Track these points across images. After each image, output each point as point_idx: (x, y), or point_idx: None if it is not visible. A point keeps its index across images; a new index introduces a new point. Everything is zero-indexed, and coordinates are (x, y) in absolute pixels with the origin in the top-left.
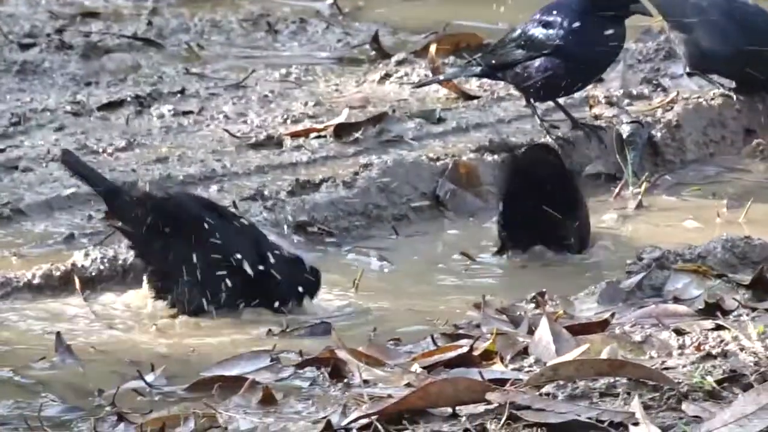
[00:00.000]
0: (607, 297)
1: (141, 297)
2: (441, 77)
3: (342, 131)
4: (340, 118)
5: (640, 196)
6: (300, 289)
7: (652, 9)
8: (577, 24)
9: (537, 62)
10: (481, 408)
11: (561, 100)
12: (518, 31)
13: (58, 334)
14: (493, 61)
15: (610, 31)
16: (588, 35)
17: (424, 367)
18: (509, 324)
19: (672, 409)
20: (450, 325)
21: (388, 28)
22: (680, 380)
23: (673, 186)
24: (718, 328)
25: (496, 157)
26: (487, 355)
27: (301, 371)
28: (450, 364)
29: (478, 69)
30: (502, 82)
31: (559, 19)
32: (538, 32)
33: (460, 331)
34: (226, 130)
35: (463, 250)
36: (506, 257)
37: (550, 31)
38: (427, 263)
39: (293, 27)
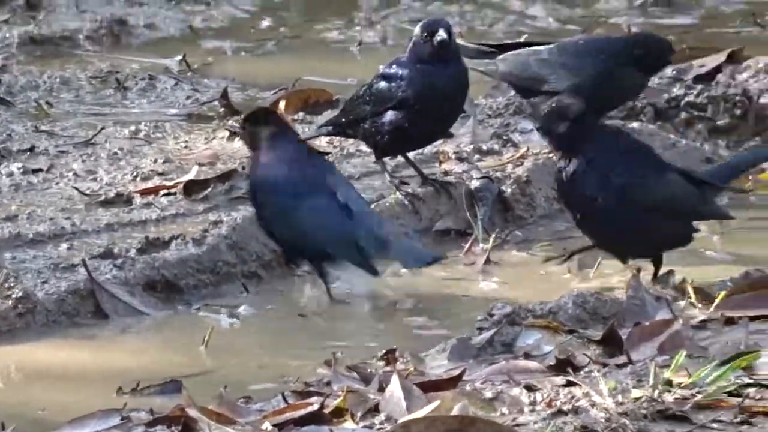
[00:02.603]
0: (457, 353)
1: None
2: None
3: (191, 188)
4: (190, 176)
5: (488, 252)
6: None
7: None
8: (413, 74)
9: (384, 117)
10: None
11: (411, 156)
12: (364, 88)
13: None
14: (343, 119)
15: (443, 76)
16: (424, 83)
17: (275, 425)
18: (360, 381)
19: None
20: (301, 382)
21: (237, 84)
22: None
23: (524, 242)
24: (570, 384)
25: None
26: (338, 413)
27: (151, 430)
28: (301, 421)
29: (330, 128)
30: (352, 139)
31: (398, 72)
32: (382, 86)
33: (311, 389)
34: (76, 188)
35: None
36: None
37: (392, 84)
38: (276, 320)
39: (142, 84)
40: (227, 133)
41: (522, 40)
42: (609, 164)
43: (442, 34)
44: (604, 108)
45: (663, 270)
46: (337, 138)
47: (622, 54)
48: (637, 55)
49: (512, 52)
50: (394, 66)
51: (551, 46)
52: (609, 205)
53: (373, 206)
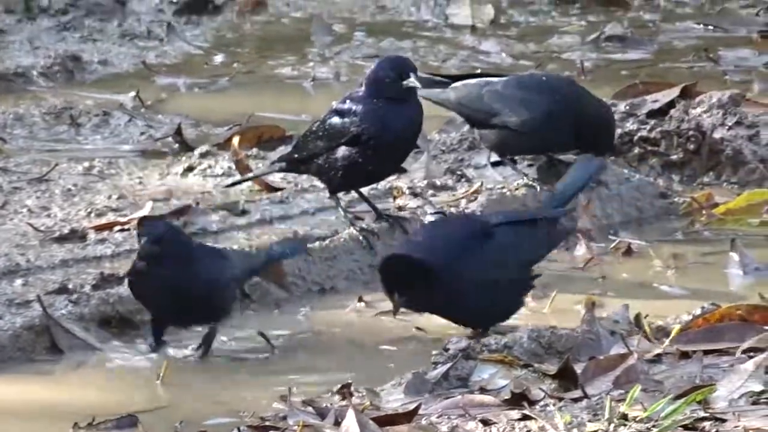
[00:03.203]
0: (413, 388)
1: None
2: (250, 175)
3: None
4: (144, 211)
5: None
6: None
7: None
8: (368, 110)
9: (337, 152)
10: None
11: (365, 191)
12: (317, 123)
13: None
14: (296, 156)
15: (400, 115)
16: (380, 120)
17: None
18: (316, 416)
19: None
20: (257, 417)
21: (191, 121)
22: None
23: None
24: (525, 418)
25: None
26: None
27: None
28: None
29: (284, 164)
30: (306, 175)
31: (353, 107)
32: (335, 122)
33: (267, 423)
34: (30, 224)
35: (260, 332)
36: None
37: (346, 120)
38: (232, 354)
39: (96, 120)
40: (181, 169)
41: (477, 72)
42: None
43: (413, 81)
44: (548, 148)
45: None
46: (291, 174)
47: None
48: (582, 134)
49: (464, 82)
50: (347, 101)
51: (506, 78)
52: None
53: (327, 242)
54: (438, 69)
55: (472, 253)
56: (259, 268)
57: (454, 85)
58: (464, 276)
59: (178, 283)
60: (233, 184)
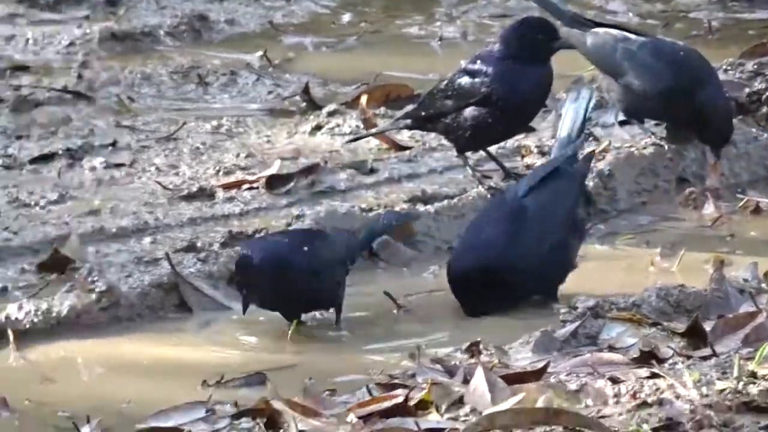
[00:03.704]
0: (542, 346)
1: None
2: (374, 131)
3: (274, 183)
4: (272, 170)
5: None
6: None
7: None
8: (501, 71)
9: (465, 112)
10: None
11: (493, 150)
12: (446, 82)
13: None
14: (423, 113)
15: (535, 76)
16: (513, 81)
17: (359, 417)
18: (444, 374)
19: None
20: (385, 374)
21: (319, 80)
22: (616, 428)
23: (606, 235)
24: (654, 376)
25: (428, 207)
26: (423, 405)
27: (236, 422)
28: (386, 414)
29: (409, 121)
30: (433, 133)
31: (483, 68)
32: (465, 82)
33: (396, 381)
34: (158, 182)
35: (386, 291)
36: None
37: (476, 80)
38: (361, 313)
39: (224, 79)
40: (309, 128)
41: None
42: None
43: (564, 41)
44: (666, 120)
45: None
46: (419, 132)
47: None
48: (697, 120)
49: (605, 30)
50: (478, 62)
51: (645, 40)
52: None
53: (456, 200)
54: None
55: (524, 237)
56: (362, 247)
57: (593, 30)
58: (525, 263)
59: (283, 293)
60: (356, 139)
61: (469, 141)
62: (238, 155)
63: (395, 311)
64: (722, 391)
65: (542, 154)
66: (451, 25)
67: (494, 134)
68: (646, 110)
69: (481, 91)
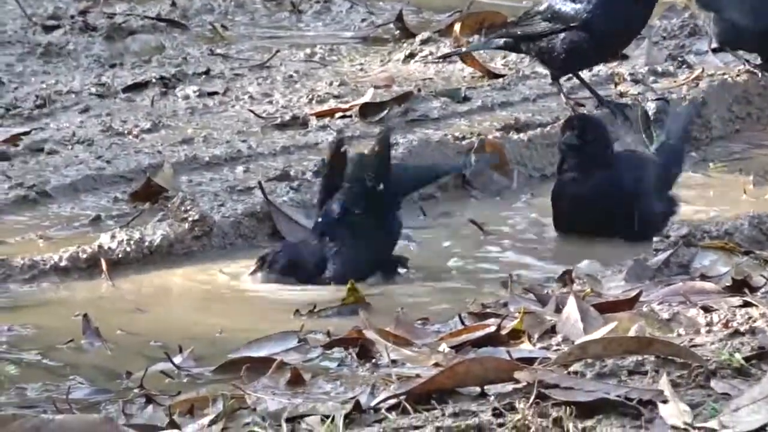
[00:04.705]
0: (634, 275)
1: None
2: (463, 49)
3: (367, 111)
4: (366, 98)
5: None
6: None
7: None
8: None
9: (562, 35)
10: (509, 387)
11: (586, 77)
12: (545, 5)
13: (86, 316)
14: (518, 32)
15: (638, 9)
16: (616, 12)
17: (452, 347)
18: (536, 303)
19: (700, 387)
20: (477, 304)
21: (412, 7)
22: (708, 357)
23: (699, 163)
24: (746, 305)
25: (521, 135)
26: (515, 334)
27: (329, 352)
28: (478, 343)
29: (501, 41)
30: (527, 59)
31: None
32: (566, 6)
33: (488, 311)
34: (252, 111)
35: (472, 219)
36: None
37: (578, 6)
38: (453, 242)
39: (317, 7)
40: (402, 56)
41: None
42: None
43: None
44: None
45: None
46: (512, 59)
47: None
48: None
49: None
50: None
51: None
52: None
53: (548, 128)
54: None
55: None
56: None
57: None
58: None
59: None
60: (446, 56)
61: (562, 64)
62: (331, 83)
63: (481, 237)
64: None
65: (635, 81)
66: None
67: (588, 59)
68: (743, 44)
69: (582, 16)
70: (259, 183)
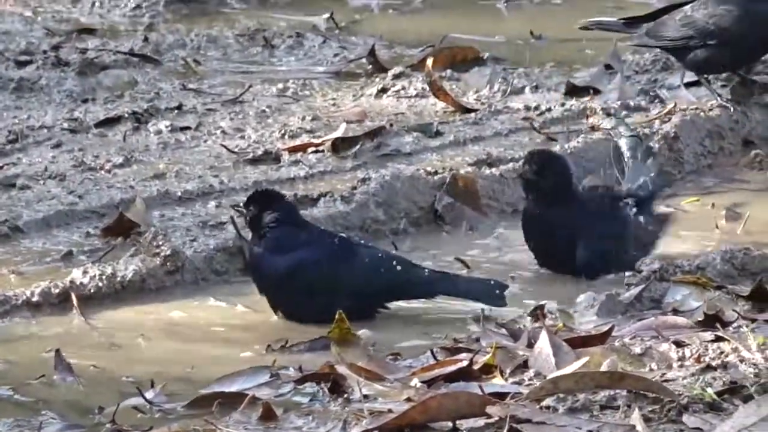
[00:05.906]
0: (606, 309)
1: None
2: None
3: (339, 146)
4: (338, 133)
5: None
6: None
7: None
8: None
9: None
10: (481, 422)
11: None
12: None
13: (58, 351)
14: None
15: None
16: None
17: (424, 382)
18: (509, 337)
19: (672, 421)
20: (449, 339)
21: (385, 42)
22: (680, 392)
23: (672, 197)
24: (718, 339)
25: (493, 170)
26: (487, 369)
27: (300, 387)
28: (450, 378)
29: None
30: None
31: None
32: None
33: (460, 345)
34: (224, 146)
35: (457, 256)
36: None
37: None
38: None
39: (290, 42)
40: (375, 91)
41: None
42: None
43: None
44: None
45: None
46: (485, 94)
47: None
48: None
49: None
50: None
51: None
52: None
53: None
54: None
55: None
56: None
57: None
58: None
59: None
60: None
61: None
62: (303, 118)
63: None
64: None
65: (608, 115)
66: None
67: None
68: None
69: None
70: (231, 218)
